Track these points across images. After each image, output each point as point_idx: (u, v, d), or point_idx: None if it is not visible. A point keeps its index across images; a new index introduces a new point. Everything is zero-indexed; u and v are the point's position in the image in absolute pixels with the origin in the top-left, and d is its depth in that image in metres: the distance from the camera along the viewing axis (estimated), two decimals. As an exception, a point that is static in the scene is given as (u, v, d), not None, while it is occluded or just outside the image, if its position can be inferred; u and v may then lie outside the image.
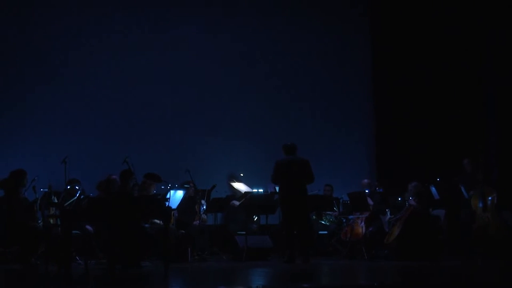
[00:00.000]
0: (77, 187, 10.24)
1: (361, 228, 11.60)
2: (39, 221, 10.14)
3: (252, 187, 12.17)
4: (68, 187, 10.29)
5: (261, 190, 12.15)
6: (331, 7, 14.33)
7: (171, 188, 10.26)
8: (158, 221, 10.46)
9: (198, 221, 11.41)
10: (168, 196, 9.83)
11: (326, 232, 12.40)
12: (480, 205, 11.28)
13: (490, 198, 11.27)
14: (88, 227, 10.21)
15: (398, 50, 14.03)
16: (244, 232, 11.32)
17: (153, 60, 13.46)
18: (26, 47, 12.95)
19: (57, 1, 13.18)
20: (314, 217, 12.24)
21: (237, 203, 11.88)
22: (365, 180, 12.49)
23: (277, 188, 11.58)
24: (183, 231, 11.01)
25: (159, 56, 13.53)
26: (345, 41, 14.40)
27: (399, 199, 11.79)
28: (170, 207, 9.74)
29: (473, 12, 13.76)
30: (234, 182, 12.27)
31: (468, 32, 13.84)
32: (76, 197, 9.83)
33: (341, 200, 12.59)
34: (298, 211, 10.71)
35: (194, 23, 13.72)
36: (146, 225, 10.36)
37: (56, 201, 10.25)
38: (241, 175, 12.47)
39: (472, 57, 13.87)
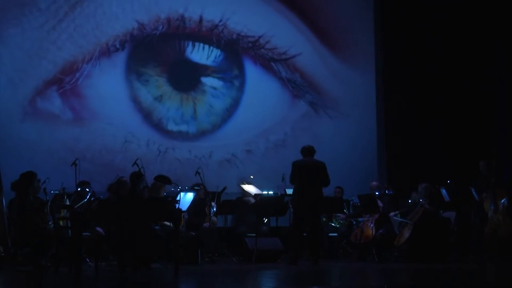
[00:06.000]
0: (87, 189, 10.26)
1: (371, 230, 11.58)
2: (50, 223, 10.16)
3: (262, 189, 12.17)
4: (79, 189, 10.32)
5: (271, 192, 12.16)
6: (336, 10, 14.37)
7: (181, 190, 10.26)
8: (168, 223, 10.47)
9: (208, 223, 11.42)
10: (178, 198, 9.84)
11: (336, 234, 12.38)
12: (492, 207, 11.24)
13: (502, 200, 11.22)
14: (98, 229, 10.22)
15: (409, 49, 13.99)
16: (254, 234, 11.32)
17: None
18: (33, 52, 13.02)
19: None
20: (324, 219, 12.23)
21: (252, 200, 11.89)
22: (374, 183, 12.47)
23: (286, 190, 11.62)
24: (193, 233, 11.01)
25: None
26: (355, 40, 14.36)
27: (410, 201, 11.76)
28: (180, 209, 9.75)
29: (487, 12, 13.71)
30: (244, 184, 12.29)
31: (481, 32, 13.80)
32: (86, 199, 9.85)
33: (351, 202, 12.59)
34: (311, 214, 10.71)
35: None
36: (156, 227, 10.37)
37: (67, 203, 10.29)
38: (251, 177, 12.49)
39: (485, 57, 13.83)
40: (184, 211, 10.32)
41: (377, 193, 12.02)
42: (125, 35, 13.31)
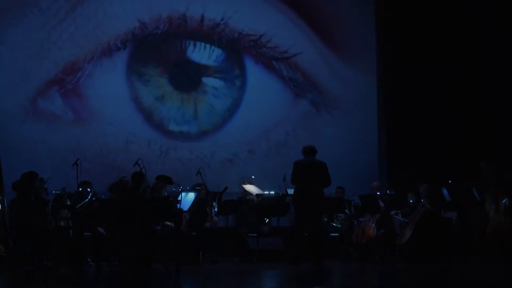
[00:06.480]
0: (88, 189, 10.26)
1: (372, 230, 11.58)
2: (52, 223, 10.16)
3: (263, 190, 12.18)
4: (80, 189, 10.32)
5: (272, 192, 12.16)
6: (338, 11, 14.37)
7: (183, 190, 10.27)
8: (169, 223, 10.48)
9: (209, 223, 11.42)
10: (179, 198, 9.84)
11: (337, 234, 12.38)
12: (493, 207, 11.24)
13: (504, 200, 11.21)
14: (99, 229, 10.23)
15: (410, 49, 13.98)
16: (255, 234, 11.32)
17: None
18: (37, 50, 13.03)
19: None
20: (325, 219, 12.23)
21: (255, 198, 11.90)
22: (375, 183, 12.48)
23: (288, 190, 11.62)
24: (195, 233, 11.02)
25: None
26: (356, 39, 14.35)
27: (411, 201, 11.76)
28: (182, 209, 9.75)
29: (487, 12, 13.69)
30: (246, 184, 12.29)
31: (481, 32, 13.78)
32: (87, 199, 9.86)
33: (352, 202, 12.58)
34: (312, 214, 10.72)
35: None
36: (158, 227, 10.38)
37: (68, 203, 10.29)
38: (252, 177, 12.50)
39: (485, 58, 13.81)
40: (185, 211, 10.33)
41: (378, 193, 12.03)
42: (127, 34, 13.31)
